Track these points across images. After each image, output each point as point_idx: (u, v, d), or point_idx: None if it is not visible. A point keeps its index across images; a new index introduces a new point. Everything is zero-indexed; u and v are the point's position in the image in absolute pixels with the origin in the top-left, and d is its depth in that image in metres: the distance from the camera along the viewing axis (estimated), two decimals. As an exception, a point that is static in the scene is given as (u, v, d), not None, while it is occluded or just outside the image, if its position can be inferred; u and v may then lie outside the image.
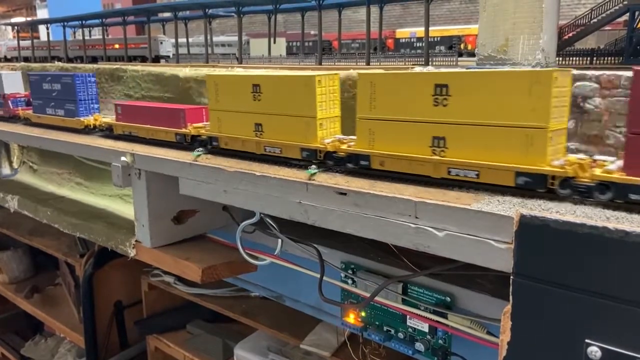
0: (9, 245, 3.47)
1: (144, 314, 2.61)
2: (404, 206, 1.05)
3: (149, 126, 1.79)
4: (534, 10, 1.30)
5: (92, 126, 2.06)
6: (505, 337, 0.92)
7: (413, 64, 5.11)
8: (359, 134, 1.23)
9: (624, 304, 0.79)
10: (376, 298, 1.39)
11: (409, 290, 1.41)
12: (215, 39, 10.66)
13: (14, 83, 2.60)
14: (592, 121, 1.24)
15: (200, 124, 1.66)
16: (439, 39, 10.45)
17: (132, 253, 1.86)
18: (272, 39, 8.73)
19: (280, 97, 1.35)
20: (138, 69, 2.67)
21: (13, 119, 2.53)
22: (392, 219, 1.07)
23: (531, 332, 0.89)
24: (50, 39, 11.84)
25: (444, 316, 1.34)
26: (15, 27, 13.12)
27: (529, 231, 0.86)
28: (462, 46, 10.14)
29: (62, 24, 10.71)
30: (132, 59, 9.65)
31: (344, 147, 1.27)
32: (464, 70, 1.13)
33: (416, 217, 1.03)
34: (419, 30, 10.98)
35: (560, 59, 3.39)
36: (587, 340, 0.83)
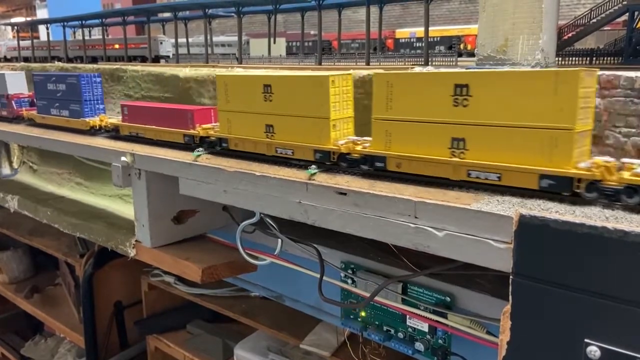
0: (9, 245, 3.47)
1: (144, 314, 2.61)
2: (404, 206, 1.05)
3: (156, 127, 1.76)
4: (533, 11, 1.30)
5: (97, 127, 2.04)
6: (504, 337, 0.92)
7: (413, 64, 5.11)
8: (375, 135, 1.20)
9: (623, 303, 0.79)
10: (376, 298, 1.40)
11: (408, 290, 1.41)
12: (215, 39, 10.67)
13: (18, 83, 2.58)
14: (591, 121, 1.24)
15: (208, 125, 1.63)
16: (438, 39, 10.45)
17: (132, 253, 1.87)
18: (272, 39, 8.73)
19: (293, 97, 1.32)
20: (138, 69, 2.67)
21: (17, 119, 2.52)
22: (391, 219, 1.07)
23: (531, 331, 0.89)
24: (50, 39, 11.84)
25: (444, 316, 1.34)
26: (15, 27, 13.12)
27: (529, 231, 0.87)
28: (461, 46, 10.15)
29: (62, 24, 10.71)
30: (132, 59, 9.65)
31: (358, 148, 1.24)
32: (486, 69, 1.12)
33: (416, 217, 1.03)
34: (419, 31, 10.99)
35: (560, 59, 3.39)
36: (586, 340, 0.83)
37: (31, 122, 2.41)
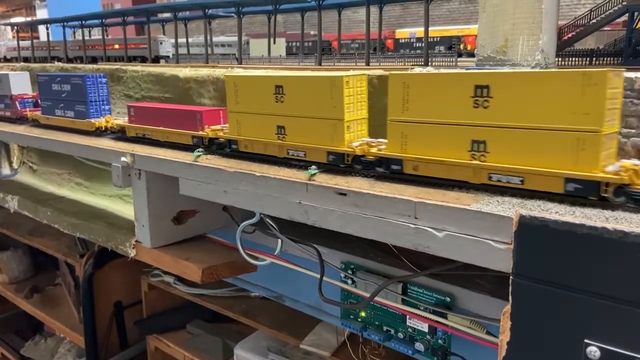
0: (9, 245, 3.47)
1: (144, 314, 2.61)
2: (404, 206, 1.05)
3: (163, 128, 1.73)
4: (533, 11, 1.30)
5: (103, 128, 2.01)
6: (504, 337, 0.92)
7: (413, 65, 5.11)
8: (391, 137, 1.17)
9: (623, 304, 0.79)
10: (376, 298, 1.40)
11: (408, 291, 1.42)
12: (215, 39, 10.66)
13: (22, 84, 2.55)
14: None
15: (217, 127, 1.60)
16: (438, 39, 10.45)
17: (132, 253, 1.87)
18: (272, 39, 8.73)
19: (305, 98, 1.29)
20: (138, 70, 2.67)
21: (20, 120, 2.49)
22: (391, 220, 1.07)
23: (531, 332, 0.89)
24: (50, 39, 11.83)
25: (444, 316, 1.34)
26: (15, 27, 13.12)
27: (529, 231, 0.87)
28: (461, 46, 10.14)
29: (61, 24, 10.71)
30: (132, 59, 9.64)
31: (373, 150, 1.21)
32: (508, 70, 1.10)
33: (416, 218, 1.04)
34: (419, 31, 10.98)
35: (560, 59, 3.39)
36: (586, 340, 0.83)
37: (35, 123, 2.38)
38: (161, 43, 10.16)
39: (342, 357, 1.76)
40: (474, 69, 1.30)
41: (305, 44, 11.04)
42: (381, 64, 5.68)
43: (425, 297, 1.39)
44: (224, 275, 1.73)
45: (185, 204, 1.81)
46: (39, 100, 2.36)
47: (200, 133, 1.60)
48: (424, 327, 1.40)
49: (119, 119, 2.01)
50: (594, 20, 3.55)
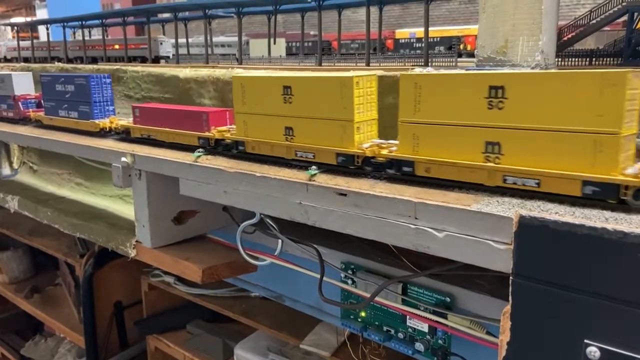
0: (9, 245, 3.48)
1: (144, 314, 2.61)
2: (404, 207, 1.05)
3: (169, 129, 1.71)
4: (533, 12, 1.30)
5: (107, 129, 1.99)
6: (504, 337, 0.93)
7: (413, 65, 5.11)
8: (402, 139, 1.15)
9: (622, 304, 0.79)
10: (376, 298, 1.40)
11: (408, 291, 1.42)
12: (215, 39, 10.66)
13: (25, 84, 2.53)
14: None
15: (224, 128, 1.58)
16: (438, 39, 10.45)
17: (132, 253, 1.87)
18: (272, 40, 8.73)
19: (314, 99, 1.28)
20: (138, 70, 2.68)
21: (23, 120, 2.47)
22: (392, 220, 1.07)
23: (531, 332, 0.90)
24: (50, 39, 11.83)
25: (444, 316, 1.34)
26: (15, 28, 13.12)
27: (528, 232, 0.87)
28: (461, 47, 10.15)
29: (62, 24, 10.71)
30: (132, 59, 9.64)
31: (384, 152, 1.20)
32: (523, 71, 1.08)
33: (416, 218, 1.04)
34: (419, 31, 10.98)
35: (560, 60, 3.39)
36: (586, 341, 0.83)
37: (38, 124, 2.37)
38: (161, 43, 10.16)
39: (342, 357, 1.76)
40: (474, 69, 1.30)
41: (305, 44, 11.04)
42: (381, 64, 5.69)
43: (426, 297, 1.39)
44: (224, 276, 1.73)
45: (185, 204, 1.81)
46: (42, 101, 2.35)
47: (207, 134, 1.58)
48: (424, 327, 1.40)
49: (123, 120, 2.00)
50: (594, 21, 3.56)
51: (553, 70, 1.03)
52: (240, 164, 1.43)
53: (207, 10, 7.81)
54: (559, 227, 0.83)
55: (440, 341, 1.38)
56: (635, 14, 3.33)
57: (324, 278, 1.48)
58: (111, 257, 2.52)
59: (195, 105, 2.30)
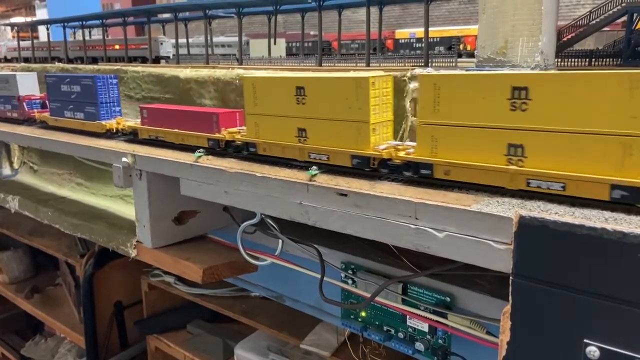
0: (9, 245, 3.48)
1: (144, 314, 2.62)
2: (404, 207, 1.05)
3: (178, 130, 1.68)
4: (533, 12, 1.31)
5: (114, 130, 1.96)
6: (504, 337, 0.93)
7: (413, 65, 5.11)
8: (420, 141, 1.13)
9: (622, 304, 0.79)
10: (376, 298, 1.40)
11: (409, 291, 1.42)
12: (215, 39, 10.66)
13: (29, 84, 2.51)
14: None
15: (234, 129, 1.56)
16: (438, 39, 10.45)
17: (133, 253, 1.87)
18: (272, 40, 8.73)
19: (329, 100, 1.26)
20: (138, 70, 2.68)
21: (28, 121, 2.45)
22: (392, 220, 1.07)
23: (531, 332, 0.90)
24: (50, 39, 11.83)
25: (444, 316, 1.35)
26: (15, 28, 13.12)
27: (528, 232, 0.87)
28: (461, 47, 10.15)
29: (62, 24, 10.71)
30: (132, 59, 9.64)
31: (401, 154, 1.17)
32: (547, 72, 1.06)
33: (416, 218, 1.04)
34: (419, 31, 10.98)
35: (560, 60, 3.39)
36: (585, 340, 0.83)
37: (43, 125, 2.34)
38: (162, 43, 10.16)
39: (343, 357, 1.77)
40: (474, 69, 1.30)
41: (306, 44, 11.04)
42: (381, 64, 5.69)
43: (426, 297, 1.39)
44: (224, 276, 1.73)
45: (186, 205, 1.82)
46: (47, 102, 2.32)
47: (217, 135, 1.55)
48: (424, 327, 1.41)
49: (130, 121, 1.97)
50: (594, 21, 3.56)
51: (579, 71, 1.02)
52: (249, 165, 1.43)
53: (207, 11, 7.81)
54: (558, 227, 0.84)
55: (440, 341, 1.39)
56: (635, 14, 3.33)
57: (325, 278, 1.48)
58: (111, 257, 2.53)
59: (195, 105, 2.30)
